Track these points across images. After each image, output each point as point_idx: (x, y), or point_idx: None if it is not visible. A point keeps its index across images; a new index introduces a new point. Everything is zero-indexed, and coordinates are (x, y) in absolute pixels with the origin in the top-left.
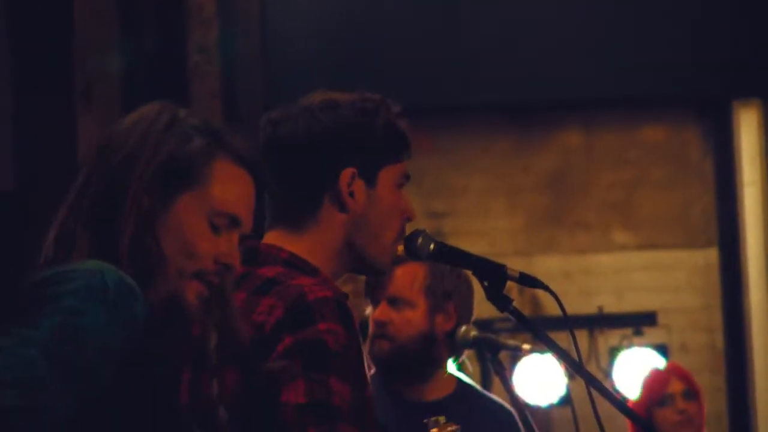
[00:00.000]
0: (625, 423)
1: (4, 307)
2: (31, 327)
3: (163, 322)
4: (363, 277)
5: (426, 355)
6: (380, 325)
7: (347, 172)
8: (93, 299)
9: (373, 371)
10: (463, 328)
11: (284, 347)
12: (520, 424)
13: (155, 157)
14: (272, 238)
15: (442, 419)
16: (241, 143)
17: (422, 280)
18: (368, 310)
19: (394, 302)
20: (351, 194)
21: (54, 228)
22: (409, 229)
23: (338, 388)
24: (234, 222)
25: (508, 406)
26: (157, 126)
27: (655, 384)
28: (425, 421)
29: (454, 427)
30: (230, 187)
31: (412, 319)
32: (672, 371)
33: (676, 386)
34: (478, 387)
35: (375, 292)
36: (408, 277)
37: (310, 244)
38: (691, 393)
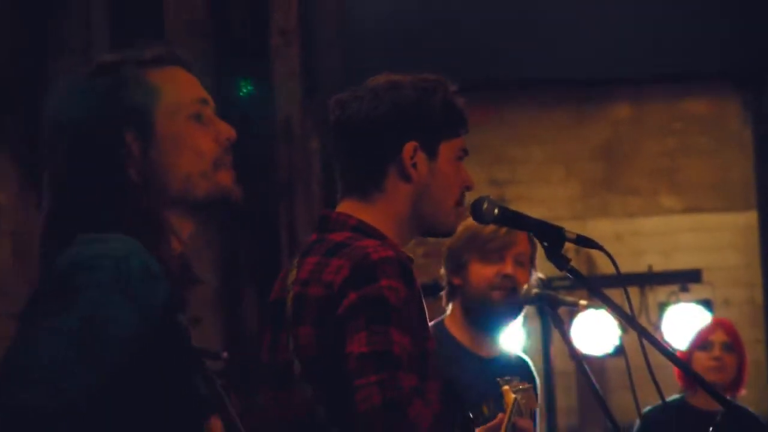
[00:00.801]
0: (674, 372)
1: (36, 290)
2: (61, 317)
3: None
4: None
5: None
6: (509, 278)
7: (410, 146)
8: (116, 291)
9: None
10: (525, 286)
11: (349, 302)
12: (535, 372)
13: (117, 105)
14: (343, 207)
15: (516, 379)
16: (158, 49)
17: (530, 247)
18: (479, 268)
19: (521, 262)
20: (414, 166)
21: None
22: (474, 196)
23: (398, 338)
24: (205, 102)
25: (525, 359)
26: (106, 82)
27: (702, 332)
28: (498, 379)
29: (526, 386)
30: (178, 81)
31: (527, 278)
32: (720, 323)
33: (718, 336)
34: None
35: (501, 251)
36: (527, 243)
37: (378, 213)
38: (731, 346)
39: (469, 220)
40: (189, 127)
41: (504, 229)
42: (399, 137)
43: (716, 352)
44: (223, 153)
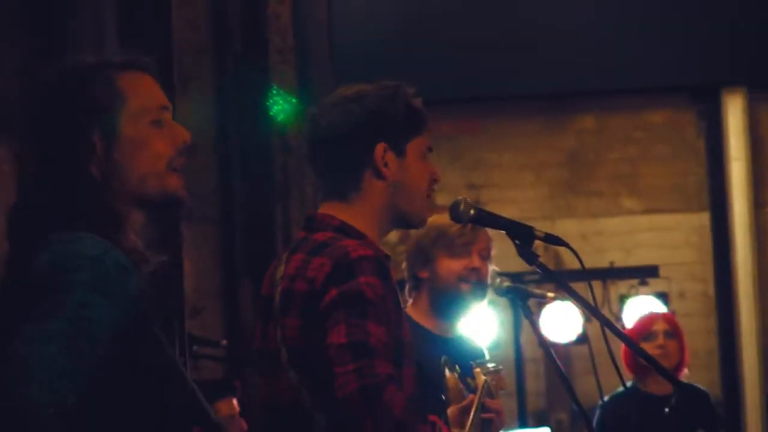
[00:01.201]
0: (623, 362)
1: (21, 293)
2: (50, 319)
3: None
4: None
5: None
6: (476, 270)
7: (380, 148)
8: (98, 292)
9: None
10: (498, 279)
11: (331, 297)
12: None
13: (86, 106)
14: (326, 209)
15: (488, 362)
16: (126, 55)
17: (489, 242)
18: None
19: (484, 257)
20: (385, 164)
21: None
22: (453, 198)
23: (374, 330)
24: (166, 108)
25: (482, 348)
26: (77, 83)
27: (644, 323)
28: (472, 363)
29: (498, 368)
30: (143, 87)
31: (489, 270)
32: (661, 315)
33: (660, 325)
34: None
35: (467, 247)
36: (488, 239)
37: (357, 212)
38: (671, 333)
39: (435, 219)
40: (150, 131)
41: (469, 227)
42: (369, 141)
43: (660, 340)
44: (177, 156)
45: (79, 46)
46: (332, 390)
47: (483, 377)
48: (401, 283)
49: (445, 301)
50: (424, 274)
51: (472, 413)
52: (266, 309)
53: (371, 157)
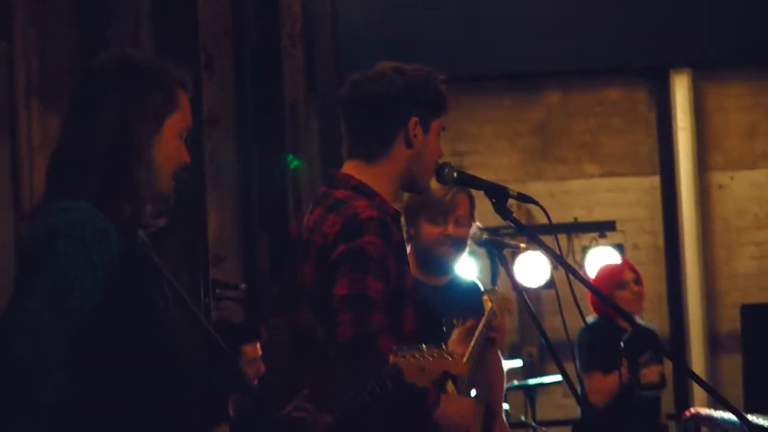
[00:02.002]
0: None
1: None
2: (35, 281)
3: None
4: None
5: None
6: (450, 237)
7: (413, 120)
8: (77, 254)
9: None
10: (477, 232)
11: (339, 252)
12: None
13: (147, 107)
14: (348, 167)
15: (496, 289)
16: (187, 75)
17: (470, 207)
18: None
19: (459, 222)
20: (415, 136)
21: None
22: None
23: (373, 284)
24: (189, 128)
25: (478, 284)
26: (148, 82)
27: (615, 274)
28: (484, 290)
29: (505, 294)
30: (186, 108)
31: (467, 233)
32: (626, 265)
33: (629, 276)
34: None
35: (445, 216)
36: (466, 207)
37: (379, 172)
38: (638, 280)
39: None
40: (177, 141)
41: (448, 196)
42: (406, 112)
43: (633, 287)
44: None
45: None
46: (334, 336)
47: (490, 303)
48: None
49: (427, 258)
50: (412, 231)
51: (478, 330)
52: (293, 252)
53: (405, 126)
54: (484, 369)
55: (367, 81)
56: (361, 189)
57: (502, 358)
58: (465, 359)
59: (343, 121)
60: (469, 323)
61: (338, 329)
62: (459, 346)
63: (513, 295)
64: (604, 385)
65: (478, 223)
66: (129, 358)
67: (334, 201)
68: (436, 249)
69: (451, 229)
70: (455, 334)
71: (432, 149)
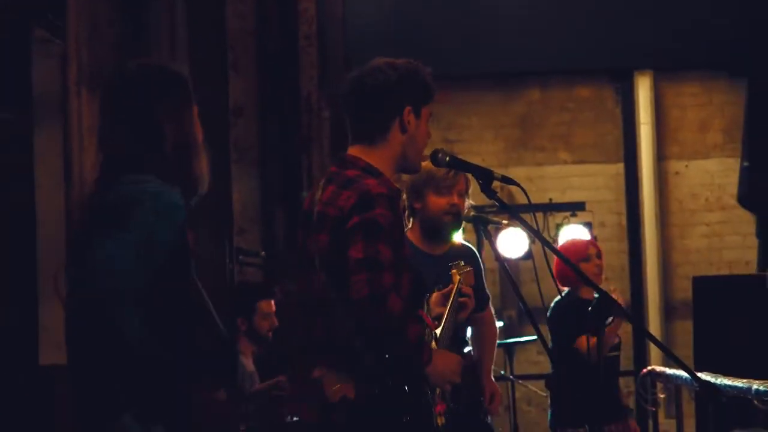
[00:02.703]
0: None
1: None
2: (124, 233)
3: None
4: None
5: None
6: (455, 206)
7: (408, 108)
8: (159, 219)
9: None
10: (465, 209)
11: (353, 222)
12: (479, 257)
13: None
14: (354, 150)
15: (461, 263)
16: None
17: (467, 185)
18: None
19: (462, 194)
20: (408, 122)
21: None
22: (432, 149)
23: (384, 250)
24: None
25: (472, 246)
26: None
27: (581, 248)
28: (450, 264)
29: (468, 269)
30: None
31: (465, 205)
32: (589, 241)
33: (592, 250)
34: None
35: (450, 188)
36: (464, 183)
37: (379, 155)
38: (600, 255)
39: (425, 165)
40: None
41: (451, 173)
42: (402, 102)
43: (596, 261)
44: None
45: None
46: (349, 293)
47: (458, 276)
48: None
49: (432, 227)
50: (418, 206)
51: (451, 297)
52: (306, 222)
53: (401, 114)
54: (479, 328)
55: (365, 76)
56: (368, 169)
57: (495, 320)
58: (442, 322)
59: (345, 111)
60: (446, 289)
61: (354, 287)
62: (437, 308)
63: (495, 265)
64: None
65: (471, 201)
66: (173, 310)
67: (347, 179)
68: (442, 218)
69: (455, 198)
70: (435, 297)
71: (422, 133)
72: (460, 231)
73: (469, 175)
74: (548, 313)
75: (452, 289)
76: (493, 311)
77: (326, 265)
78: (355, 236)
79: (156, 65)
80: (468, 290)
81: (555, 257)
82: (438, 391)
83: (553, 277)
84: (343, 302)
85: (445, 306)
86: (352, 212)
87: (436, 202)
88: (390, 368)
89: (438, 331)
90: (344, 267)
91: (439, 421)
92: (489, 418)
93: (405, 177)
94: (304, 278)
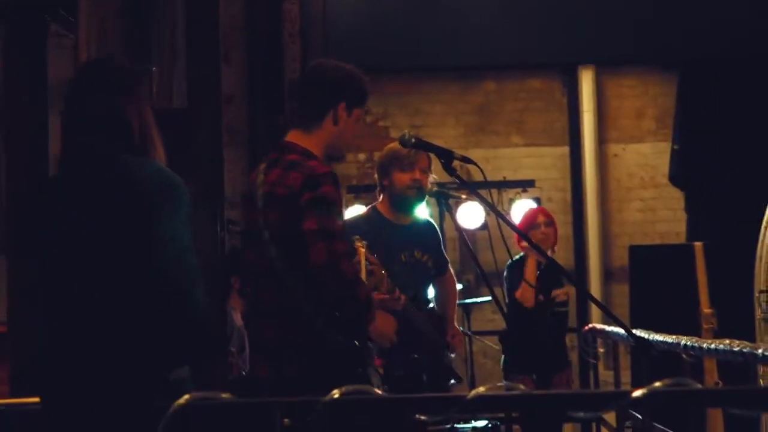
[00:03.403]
0: (515, 239)
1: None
2: (180, 213)
3: None
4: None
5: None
6: (417, 181)
7: (343, 104)
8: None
9: (369, 208)
10: (430, 185)
11: (305, 199)
12: (439, 232)
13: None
14: (291, 136)
15: (357, 237)
16: None
17: (429, 162)
18: (398, 175)
19: (424, 171)
20: (341, 117)
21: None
22: (399, 132)
23: (334, 221)
24: None
25: (432, 221)
26: None
27: (531, 217)
28: (353, 237)
29: (364, 242)
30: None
31: (428, 180)
32: (539, 211)
33: (540, 219)
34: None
35: (412, 165)
36: (426, 161)
37: (315, 141)
38: (549, 223)
39: (391, 146)
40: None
41: (413, 152)
42: (338, 97)
43: (542, 228)
44: None
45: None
46: (307, 260)
47: (361, 247)
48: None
49: (398, 201)
50: (385, 182)
51: (362, 267)
52: (248, 203)
53: (335, 107)
54: (442, 287)
55: (314, 70)
56: (306, 153)
57: (455, 280)
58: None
59: (292, 97)
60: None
61: (312, 255)
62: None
63: (456, 235)
64: (527, 292)
65: (434, 176)
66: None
67: (290, 162)
68: (406, 193)
69: (417, 174)
70: None
71: (352, 129)
72: (425, 204)
73: (433, 155)
74: (504, 274)
75: (359, 259)
76: (452, 272)
77: (278, 239)
78: (308, 211)
79: (119, 63)
80: (372, 259)
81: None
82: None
83: (505, 244)
84: (294, 270)
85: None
86: (302, 190)
87: (401, 178)
88: (340, 327)
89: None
90: (299, 239)
91: (380, 372)
92: (452, 354)
93: (375, 157)
94: (251, 251)
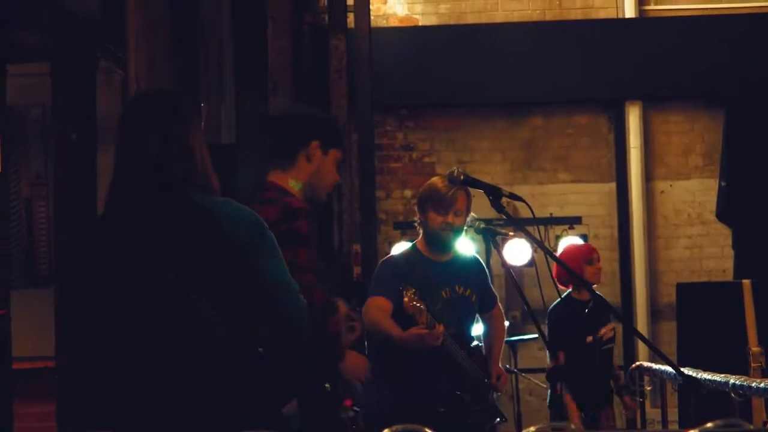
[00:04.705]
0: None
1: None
2: (277, 253)
3: None
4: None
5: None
6: (450, 224)
7: (315, 143)
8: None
9: (411, 246)
10: (477, 222)
11: (279, 232)
12: (485, 267)
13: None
14: (271, 176)
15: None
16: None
17: (467, 202)
18: (432, 215)
19: (458, 213)
20: (314, 155)
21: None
22: (447, 169)
23: (304, 253)
24: None
25: (478, 257)
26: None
27: (586, 252)
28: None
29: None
30: None
31: (464, 221)
32: (590, 247)
33: (595, 255)
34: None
35: (447, 208)
36: (464, 202)
37: (290, 180)
38: (599, 259)
39: (432, 181)
40: None
41: (450, 192)
42: (310, 136)
43: (598, 264)
44: None
45: (207, 62)
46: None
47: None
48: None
49: (433, 239)
50: (423, 219)
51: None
52: None
53: (308, 146)
54: (489, 323)
55: (286, 108)
56: (282, 191)
57: (504, 317)
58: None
59: (266, 136)
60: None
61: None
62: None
63: (502, 271)
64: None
65: (473, 214)
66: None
67: (267, 198)
68: (439, 234)
69: (450, 218)
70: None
71: (329, 170)
72: (470, 241)
73: (480, 192)
74: (548, 316)
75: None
76: (501, 309)
77: None
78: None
79: (174, 92)
80: (353, 314)
81: (555, 264)
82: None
83: (554, 281)
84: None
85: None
86: (278, 224)
87: (435, 218)
88: (308, 363)
89: None
90: None
91: (348, 414)
92: (497, 395)
93: (418, 193)
94: None
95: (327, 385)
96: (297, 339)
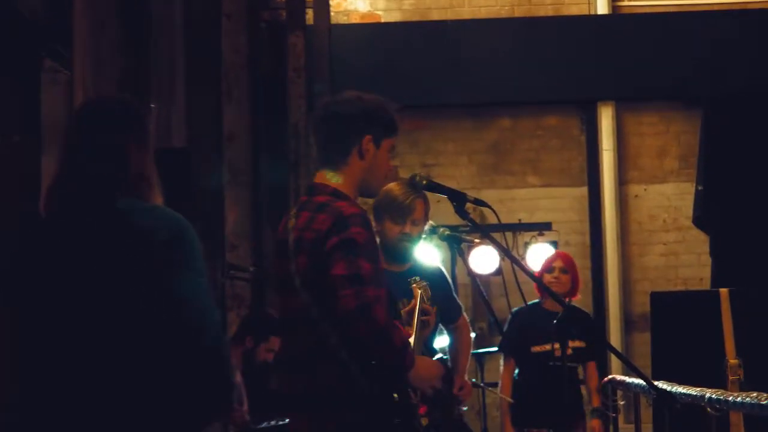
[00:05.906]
0: (533, 286)
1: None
2: (198, 263)
3: None
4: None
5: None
6: (406, 235)
7: (367, 137)
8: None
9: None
10: (440, 229)
11: (332, 243)
12: (446, 276)
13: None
14: (319, 177)
15: (417, 278)
16: None
17: (425, 210)
18: (389, 225)
19: (415, 223)
20: (367, 150)
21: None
22: (410, 173)
23: (364, 265)
24: None
25: (440, 266)
26: None
27: (549, 260)
28: (409, 279)
29: (424, 283)
30: None
31: (421, 230)
32: (559, 255)
33: (558, 263)
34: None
35: (404, 217)
36: (422, 210)
37: (344, 180)
38: (565, 269)
39: (390, 187)
40: None
41: (408, 200)
42: (361, 130)
43: (555, 273)
44: None
45: (157, 60)
46: (336, 308)
47: (418, 290)
48: None
49: (389, 249)
50: (378, 228)
51: (416, 315)
52: (281, 249)
53: (360, 142)
54: (454, 335)
55: (333, 103)
56: (336, 194)
57: (470, 328)
58: (412, 335)
59: (313, 136)
60: (409, 306)
61: (341, 302)
62: (405, 328)
63: (468, 280)
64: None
65: (431, 222)
66: None
67: (318, 204)
68: (395, 244)
69: (408, 228)
70: (403, 314)
71: (382, 163)
72: (436, 249)
73: (444, 197)
74: (507, 323)
75: (415, 305)
76: (467, 319)
77: (307, 285)
78: (336, 255)
79: (120, 100)
80: (428, 308)
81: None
82: (419, 394)
83: (520, 291)
84: (326, 318)
85: (411, 324)
86: (329, 233)
87: (391, 228)
88: (376, 375)
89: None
90: (328, 285)
91: (423, 422)
92: (464, 408)
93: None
94: (284, 301)
95: (395, 395)
96: (212, 362)
